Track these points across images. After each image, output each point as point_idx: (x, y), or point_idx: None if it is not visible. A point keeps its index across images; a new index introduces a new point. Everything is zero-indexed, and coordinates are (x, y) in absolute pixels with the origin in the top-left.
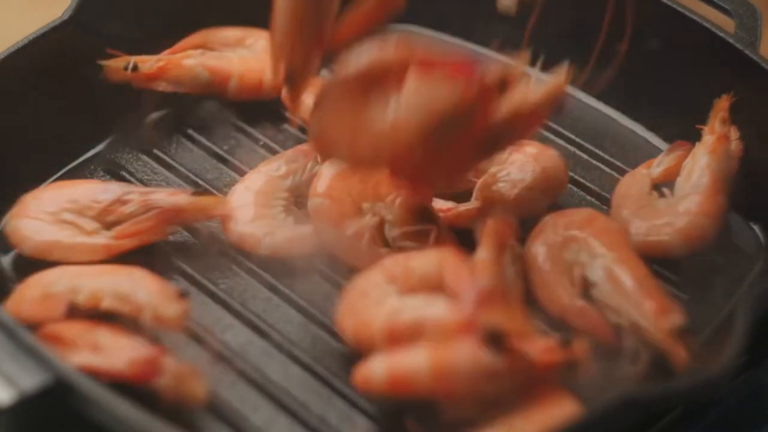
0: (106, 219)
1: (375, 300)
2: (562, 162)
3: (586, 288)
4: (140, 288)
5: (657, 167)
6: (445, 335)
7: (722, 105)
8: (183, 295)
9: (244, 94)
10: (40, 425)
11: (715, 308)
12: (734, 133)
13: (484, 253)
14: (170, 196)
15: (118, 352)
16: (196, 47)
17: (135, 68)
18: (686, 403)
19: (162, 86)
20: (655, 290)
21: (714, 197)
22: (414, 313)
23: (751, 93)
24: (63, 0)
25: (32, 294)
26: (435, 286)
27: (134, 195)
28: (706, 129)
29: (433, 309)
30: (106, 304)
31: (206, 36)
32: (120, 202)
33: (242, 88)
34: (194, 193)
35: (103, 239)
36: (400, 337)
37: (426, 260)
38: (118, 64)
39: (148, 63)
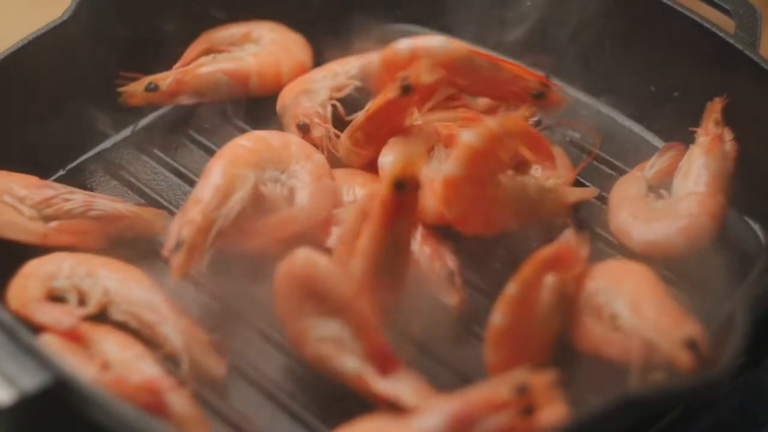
0: (45, 211)
1: (299, 311)
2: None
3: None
4: (169, 323)
5: (650, 169)
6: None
7: (715, 107)
8: (220, 346)
9: (265, 89)
10: (40, 425)
11: (715, 308)
12: (728, 134)
13: (512, 287)
14: (112, 202)
15: (126, 376)
16: (203, 53)
17: (155, 88)
18: (686, 403)
19: (184, 100)
20: (671, 308)
21: (714, 197)
22: (330, 358)
23: (751, 93)
24: (63, 0)
25: (34, 289)
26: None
27: (78, 195)
28: (699, 131)
29: (347, 363)
30: (118, 318)
31: (210, 39)
32: (62, 198)
33: (263, 84)
34: (137, 205)
35: (41, 227)
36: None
37: (339, 290)
38: (136, 88)
39: (166, 80)
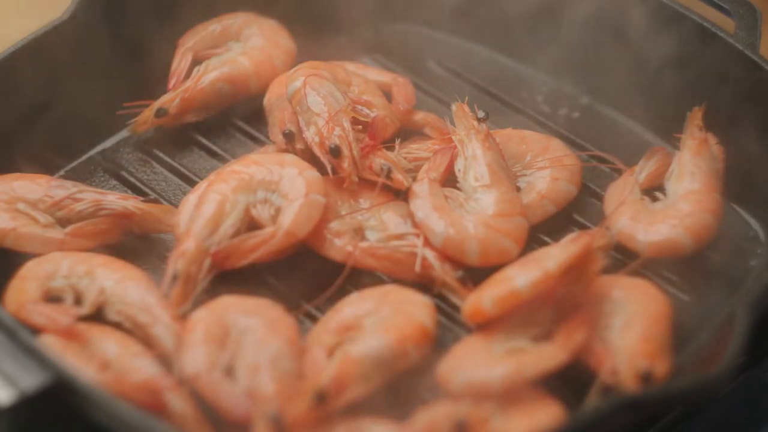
0: (57, 214)
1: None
2: (578, 177)
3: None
4: (162, 325)
5: (641, 174)
6: None
7: (696, 115)
8: None
9: (265, 86)
10: (40, 425)
11: (715, 308)
12: (712, 139)
13: (553, 261)
14: (121, 200)
15: (125, 375)
16: (192, 65)
17: (165, 113)
18: (686, 403)
19: (191, 117)
20: (656, 340)
21: (711, 194)
22: None
23: (751, 93)
24: (63, 0)
25: (31, 291)
26: None
27: (87, 194)
28: (685, 136)
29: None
30: (113, 318)
31: (191, 48)
32: (72, 199)
33: (262, 82)
34: (146, 201)
35: (58, 234)
36: None
37: None
38: (144, 117)
39: (174, 102)
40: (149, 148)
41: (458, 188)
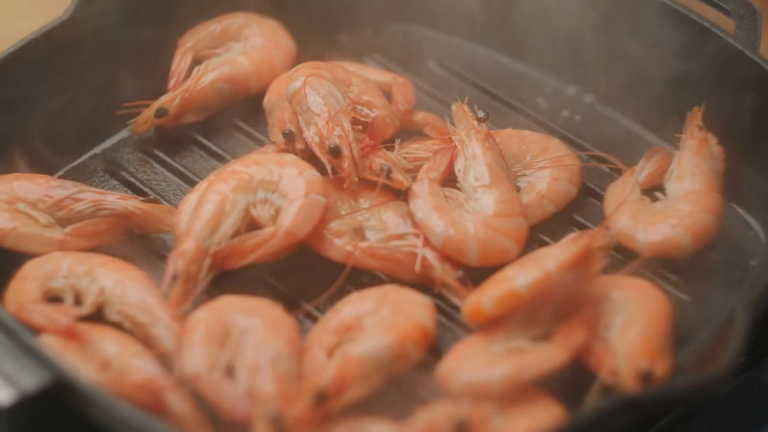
0: (57, 214)
1: None
2: (578, 177)
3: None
4: (162, 325)
5: (641, 174)
6: None
7: (696, 115)
8: None
9: (265, 86)
10: (40, 425)
11: (715, 308)
12: (712, 139)
13: (553, 261)
14: (121, 200)
15: (125, 375)
16: (192, 65)
17: (165, 113)
18: (686, 403)
19: (191, 117)
20: (655, 339)
21: (711, 194)
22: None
23: (751, 93)
24: (63, 0)
25: (31, 291)
26: None
27: (87, 194)
28: (685, 136)
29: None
30: (113, 318)
31: (191, 48)
32: (72, 199)
33: (261, 82)
34: (146, 201)
35: (58, 234)
36: None
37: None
38: (144, 117)
39: (174, 102)
40: (149, 148)
41: (458, 188)
